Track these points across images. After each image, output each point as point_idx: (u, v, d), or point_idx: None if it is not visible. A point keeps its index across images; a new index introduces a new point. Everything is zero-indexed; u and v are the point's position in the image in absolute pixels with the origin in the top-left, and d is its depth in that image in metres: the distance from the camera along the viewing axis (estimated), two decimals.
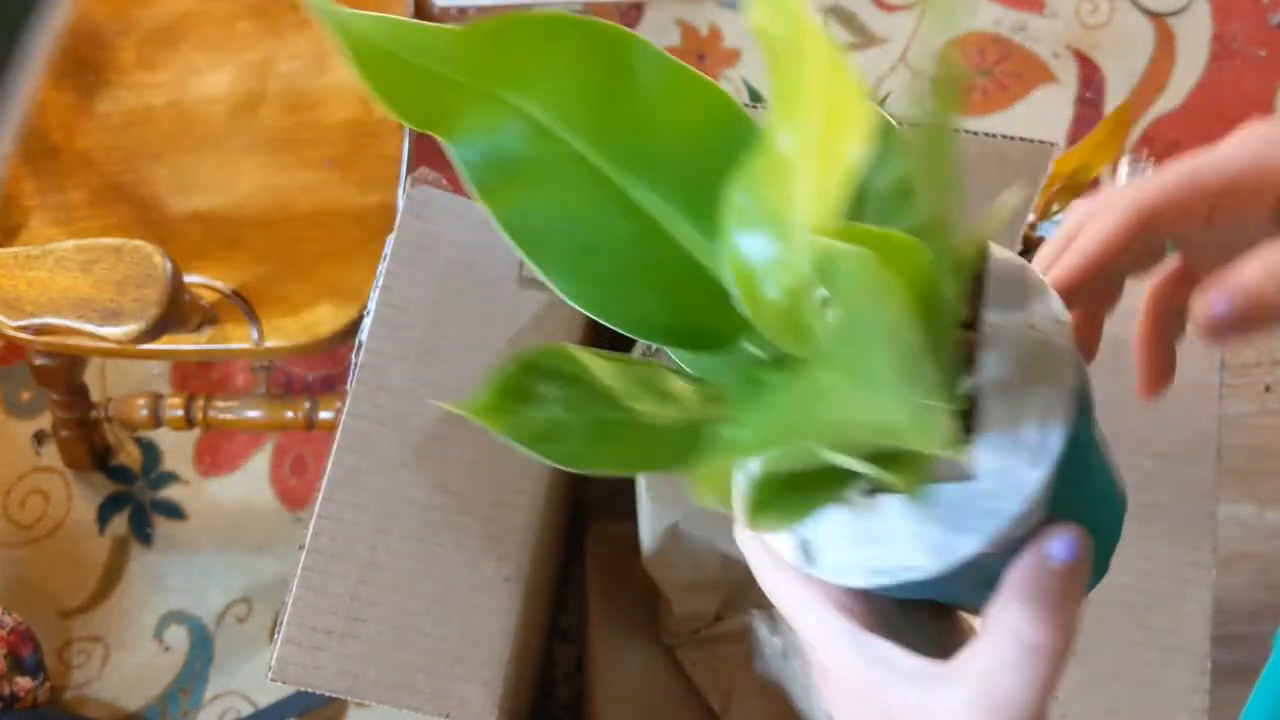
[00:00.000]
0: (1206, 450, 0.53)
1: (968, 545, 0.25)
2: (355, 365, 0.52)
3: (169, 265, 0.72)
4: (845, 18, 1.42)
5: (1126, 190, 0.32)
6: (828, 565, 0.27)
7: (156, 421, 1.09)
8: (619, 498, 0.62)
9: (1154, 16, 1.39)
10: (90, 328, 0.72)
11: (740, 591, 0.60)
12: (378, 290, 0.53)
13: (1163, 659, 0.50)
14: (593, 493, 0.65)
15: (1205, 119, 1.35)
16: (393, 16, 0.26)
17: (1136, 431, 0.53)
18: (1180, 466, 0.52)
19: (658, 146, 0.27)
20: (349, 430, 0.50)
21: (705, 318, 0.28)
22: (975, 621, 0.28)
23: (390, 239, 0.54)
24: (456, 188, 0.56)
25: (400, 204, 0.54)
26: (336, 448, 0.50)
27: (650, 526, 0.56)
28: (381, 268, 0.53)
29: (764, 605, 0.60)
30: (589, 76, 0.26)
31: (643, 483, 0.56)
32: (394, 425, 0.51)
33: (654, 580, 0.58)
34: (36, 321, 0.72)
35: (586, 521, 0.65)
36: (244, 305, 0.88)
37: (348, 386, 0.51)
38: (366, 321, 0.53)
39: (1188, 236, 0.36)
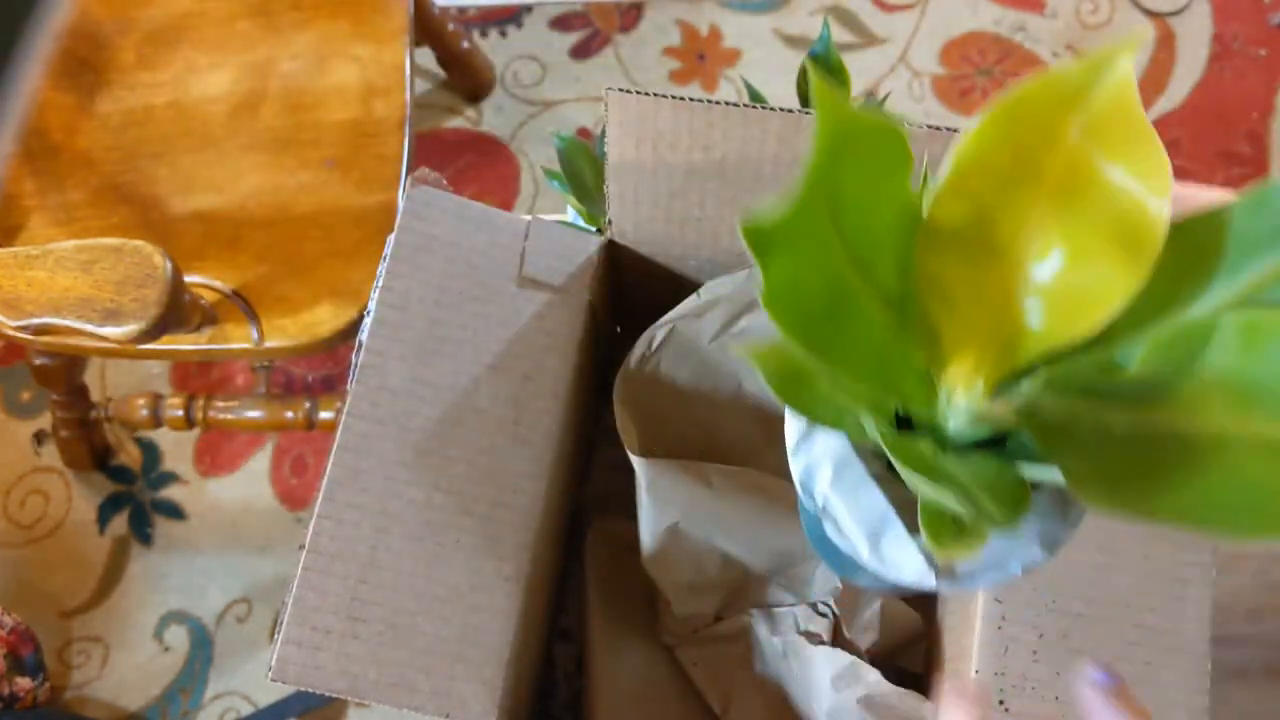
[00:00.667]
0: None
1: (1067, 533, 0.32)
2: (355, 365, 0.51)
3: (169, 265, 0.72)
4: (845, 17, 1.42)
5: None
6: (958, 571, 0.32)
7: (156, 421, 1.09)
8: (618, 497, 0.62)
9: (1154, 16, 1.39)
10: (90, 328, 0.72)
11: (740, 592, 0.60)
12: (378, 290, 0.53)
13: (1162, 659, 0.50)
14: (592, 492, 0.65)
15: (1205, 119, 1.35)
16: None
17: None
18: None
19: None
20: (349, 430, 0.50)
21: (903, 396, 0.30)
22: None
23: (390, 239, 0.54)
24: (457, 188, 0.56)
25: (400, 204, 0.54)
26: (336, 448, 0.50)
27: (650, 526, 0.56)
28: (381, 268, 0.53)
29: (763, 605, 0.60)
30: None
31: (643, 482, 0.56)
32: (394, 425, 0.51)
33: (654, 580, 0.58)
34: (36, 321, 0.72)
35: (586, 521, 0.65)
36: (244, 305, 0.88)
37: (348, 386, 0.51)
38: (367, 321, 0.53)
39: None
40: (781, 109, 0.52)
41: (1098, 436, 0.27)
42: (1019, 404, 0.28)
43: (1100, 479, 0.26)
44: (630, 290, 0.64)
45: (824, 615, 0.58)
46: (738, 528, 0.57)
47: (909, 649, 0.60)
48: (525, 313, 0.54)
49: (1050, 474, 0.29)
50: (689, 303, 0.59)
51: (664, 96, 0.52)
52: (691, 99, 0.51)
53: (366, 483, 0.50)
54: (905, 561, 0.32)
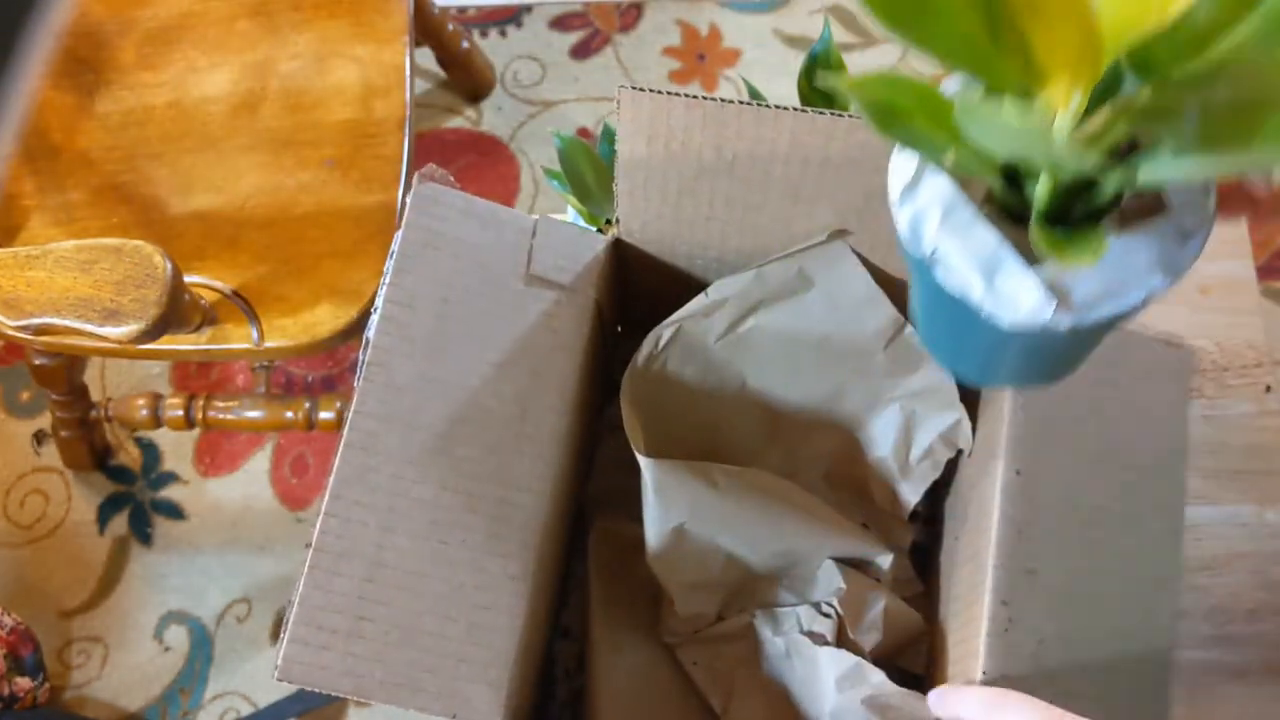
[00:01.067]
0: (1176, 466, 0.54)
1: (1187, 258, 0.32)
2: (362, 362, 0.51)
3: (169, 265, 0.72)
4: (846, 17, 1.42)
5: None
6: (1077, 300, 0.31)
7: (156, 421, 1.09)
8: (621, 495, 0.62)
9: None
10: (90, 328, 0.72)
11: (742, 591, 0.60)
12: (385, 287, 0.53)
13: (1131, 667, 0.50)
14: (594, 490, 0.66)
15: None
16: None
17: (1108, 446, 0.54)
18: (1150, 481, 0.53)
19: None
20: (356, 428, 0.50)
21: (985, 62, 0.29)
22: None
23: (397, 235, 0.54)
24: (463, 184, 0.56)
25: (407, 201, 0.54)
26: (344, 445, 0.50)
27: (656, 526, 0.56)
28: (388, 264, 0.53)
29: (766, 605, 0.60)
30: None
31: (649, 482, 0.56)
32: (401, 422, 0.51)
33: (658, 579, 0.58)
34: (36, 321, 0.72)
35: (588, 520, 0.65)
36: (244, 305, 0.88)
37: (355, 383, 0.51)
38: (374, 318, 0.52)
39: None
40: (795, 109, 0.52)
41: (1200, 114, 0.27)
42: (1119, 106, 0.28)
43: (1205, 139, 0.27)
44: (635, 289, 0.65)
45: (828, 616, 0.58)
46: (742, 528, 0.58)
47: (909, 650, 0.60)
48: (532, 310, 0.54)
49: (1162, 171, 0.28)
50: (696, 302, 0.59)
51: (676, 94, 0.52)
52: (705, 97, 0.51)
53: (374, 481, 0.50)
54: (1021, 294, 0.31)
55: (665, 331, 0.59)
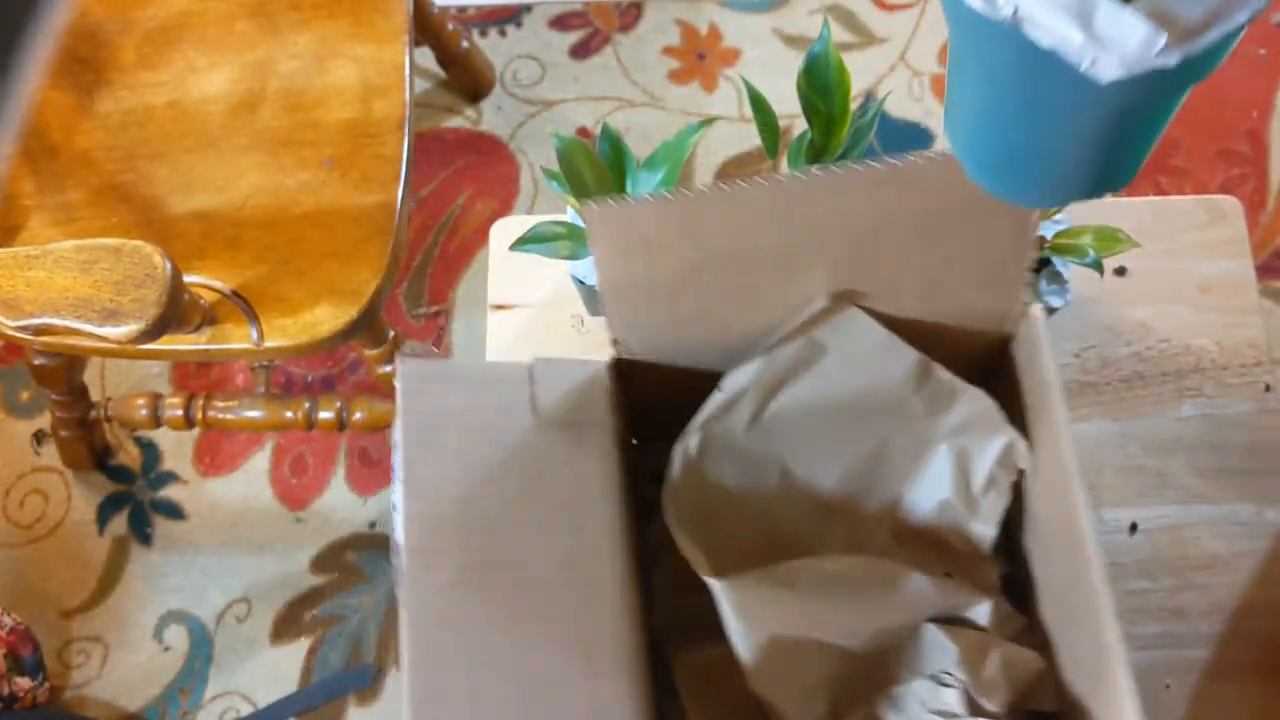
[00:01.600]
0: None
1: None
2: (399, 570, 0.48)
3: (169, 265, 0.73)
4: (845, 17, 1.42)
5: None
6: (1186, 26, 0.30)
7: (156, 421, 1.09)
8: (689, 618, 0.60)
9: None
10: (90, 328, 0.72)
11: (854, 682, 0.57)
12: (399, 483, 0.50)
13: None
14: (660, 622, 0.62)
15: (1205, 118, 1.35)
16: None
17: None
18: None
19: None
20: (417, 646, 0.47)
21: None
22: None
23: (396, 424, 0.51)
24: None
25: (396, 385, 0.51)
26: (410, 666, 0.47)
27: (746, 646, 0.54)
28: (396, 457, 0.50)
29: (883, 688, 0.57)
30: None
31: (727, 606, 0.53)
32: (456, 627, 0.48)
33: (763, 698, 0.55)
34: (36, 321, 0.72)
35: (664, 652, 0.61)
36: (244, 305, 0.88)
37: (398, 598, 0.48)
38: (396, 519, 0.50)
39: None
40: (763, 179, 0.49)
41: None
42: None
43: None
44: (648, 398, 0.61)
45: (949, 685, 0.56)
46: (834, 621, 0.56)
47: (1037, 690, 0.57)
48: (552, 458, 0.52)
49: None
50: (714, 402, 0.57)
51: (644, 199, 0.50)
52: (671, 194, 0.49)
53: (450, 698, 0.47)
54: (1128, 30, 0.30)
55: (692, 441, 0.57)
